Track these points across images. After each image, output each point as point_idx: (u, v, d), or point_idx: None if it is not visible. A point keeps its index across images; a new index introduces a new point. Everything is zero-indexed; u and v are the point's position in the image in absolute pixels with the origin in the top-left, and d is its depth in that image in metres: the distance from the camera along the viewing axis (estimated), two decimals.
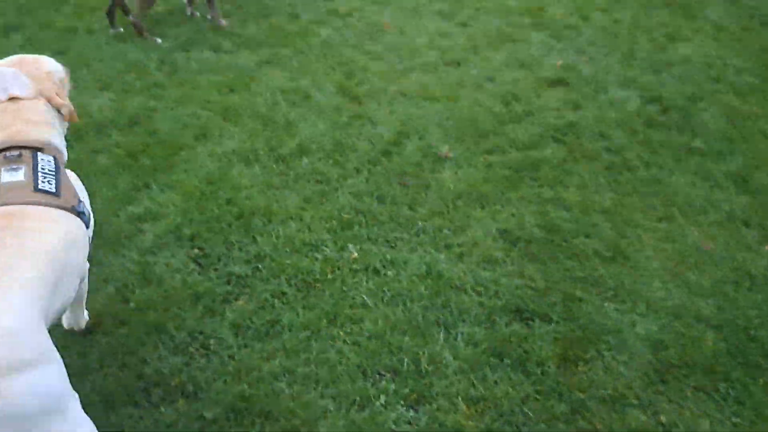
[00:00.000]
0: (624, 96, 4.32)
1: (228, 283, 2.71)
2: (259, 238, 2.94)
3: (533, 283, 2.72)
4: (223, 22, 5.00)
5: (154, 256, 2.80)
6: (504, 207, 3.20)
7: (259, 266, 2.80)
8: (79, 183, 2.05)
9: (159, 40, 4.65)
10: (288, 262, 2.82)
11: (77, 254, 1.84)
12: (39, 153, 1.86)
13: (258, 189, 3.27)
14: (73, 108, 2.06)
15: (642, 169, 3.55)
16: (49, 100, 1.98)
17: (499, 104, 4.16)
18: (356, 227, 3.05)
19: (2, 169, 1.78)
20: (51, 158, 1.87)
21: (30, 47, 4.31)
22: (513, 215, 3.14)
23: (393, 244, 2.95)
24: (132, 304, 2.56)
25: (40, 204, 1.74)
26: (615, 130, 3.90)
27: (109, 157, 3.37)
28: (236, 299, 2.64)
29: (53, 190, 1.80)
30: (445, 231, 3.05)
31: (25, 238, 1.66)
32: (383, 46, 4.90)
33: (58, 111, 2.02)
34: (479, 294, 2.67)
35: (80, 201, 1.88)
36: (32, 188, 1.76)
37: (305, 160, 3.53)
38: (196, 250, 2.87)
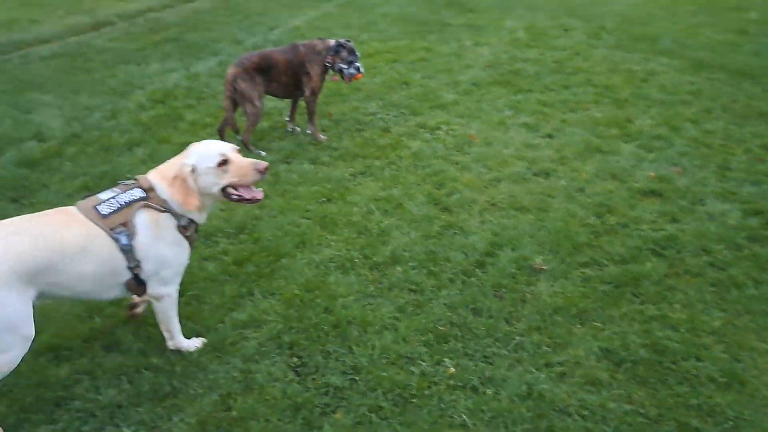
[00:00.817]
0: (723, 209, 4.20)
1: (326, 394, 2.73)
2: (355, 348, 2.97)
3: (643, 409, 2.58)
4: (321, 136, 5.34)
5: (256, 363, 2.87)
6: (605, 324, 3.10)
7: (356, 378, 2.81)
8: (156, 229, 2.60)
9: (263, 153, 5.00)
10: (384, 374, 2.81)
11: (89, 262, 2.45)
12: (137, 189, 2.60)
13: (354, 297, 3.34)
14: (191, 205, 2.63)
15: (751, 287, 3.38)
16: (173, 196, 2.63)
17: (592, 216, 4.14)
18: (452, 341, 3.03)
19: (114, 188, 2.64)
20: (137, 194, 2.58)
21: (151, 162, 4.73)
22: (616, 333, 3.04)
23: (491, 360, 2.90)
24: (234, 413, 2.61)
25: (86, 215, 2.49)
26: (717, 245, 3.77)
27: (217, 264, 3.56)
28: (334, 412, 2.64)
29: (104, 213, 2.52)
30: (544, 347, 2.98)
31: (52, 223, 2.44)
32: (471, 157, 5.05)
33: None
34: (585, 419, 2.54)
35: (123, 229, 2.50)
36: (95, 205, 2.54)
37: (398, 268, 3.60)
38: (295, 359, 2.93)
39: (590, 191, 4.50)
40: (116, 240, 2.50)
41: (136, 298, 3.09)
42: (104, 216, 2.51)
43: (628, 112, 5.97)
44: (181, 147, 5.00)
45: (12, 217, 2.46)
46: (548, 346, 2.98)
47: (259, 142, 5.22)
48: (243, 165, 2.68)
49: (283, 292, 3.35)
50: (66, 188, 4.31)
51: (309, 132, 5.39)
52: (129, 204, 2.56)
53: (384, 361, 2.90)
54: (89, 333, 2.99)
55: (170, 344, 2.89)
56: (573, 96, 6.45)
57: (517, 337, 3.04)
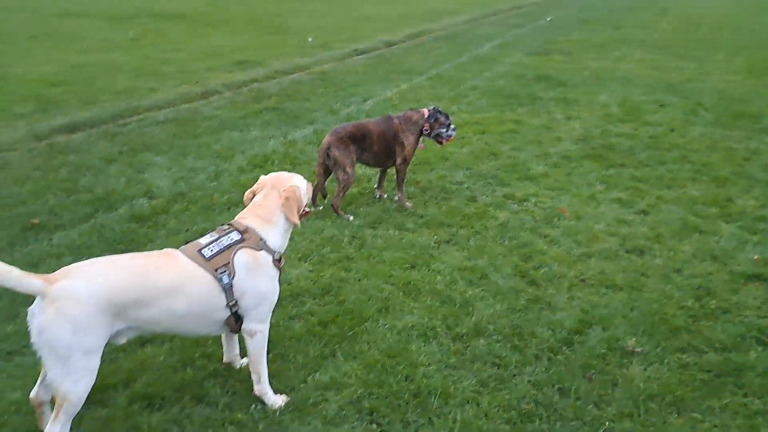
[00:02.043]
0: None
1: None
2: (435, 421, 2.92)
3: None
4: (408, 203, 5.44)
5: (336, 427, 2.87)
6: (705, 416, 2.90)
7: None
8: (254, 266, 2.84)
9: (351, 218, 5.15)
10: None
11: (182, 300, 2.66)
12: (234, 233, 2.85)
13: (435, 367, 3.30)
14: (298, 222, 3.00)
15: None
16: (285, 214, 2.98)
17: (691, 298, 3.93)
18: (537, 421, 2.92)
19: (212, 233, 2.90)
20: (234, 237, 2.83)
21: None
22: (716, 426, 2.83)
23: None
24: None
25: (191, 258, 2.73)
26: None
27: (303, 324, 3.64)
28: None
29: (206, 255, 2.75)
30: None
31: (153, 263, 2.71)
32: (560, 231, 4.97)
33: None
34: None
35: (224, 270, 2.74)
36: (199, 248, 2.77)
37: (482, 341, 3.54)
38: (374, 426, 2.91)
39: (688, 272, 4.29)
40: (219, 280, 2.73)
41: (228, 357, 3.25)
42: (208, 258, 2.74)
43: (729, 191, 5.72)
44: None
45: None
46: None
47: (348, 206, 5.38)
48: (310, 187, 3.23)
49: (364, 357, 3.37)
50: (170, 243, 4.59)
51: (396, 199, 5.52)
52: (229, 246, 2.80)
53: None
54: (180, 383, 3.11)
55: (256, 389, 2.99)
56: (669, 172, 6.26)
57: (607, 423, 2.88)
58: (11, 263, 4.26)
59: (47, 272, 4.20)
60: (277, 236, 2.96)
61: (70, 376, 2.46)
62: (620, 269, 4.35)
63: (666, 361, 3.32)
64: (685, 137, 7.46)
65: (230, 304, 2.79)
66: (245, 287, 2.81)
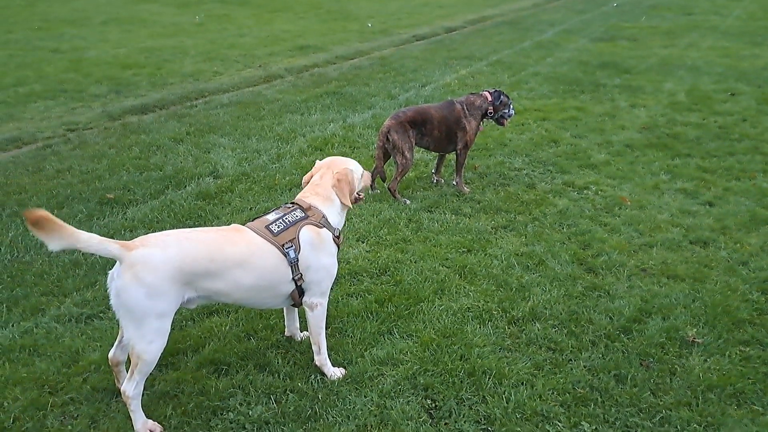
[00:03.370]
0: None
1: None
2: (489, 399, 2.96)
3: None
4: (466, 188, 5.46)
5: (392, 400, 2.96)
6: (766, 409, 2.83)
7: (490, 429, 2.80)
8: (318, 242, 2.97)
9: (408, 201, 5.21)
10: (518, 429, 2.78)
11: (248, 274, 2.79)
12: (298, 210, 2.99)
13: (490, 349, 3.35)
14: (350, 204, 3.13)
15: None
16: (337, 195, 3.11)
17: (756, 291, 3.83)
18: (591, 405, 2.92)
19: (277, 210, 3.03)
20: (298, 214, 2.97)
21: None
22: None
23: (633, 431, 2.76)
24: None
25: (257, 232, 2.86)
26: None
27: (361, 301, 3.75)
28: None
29: (274, 231, 2.88)
30: (694, 425, 2.78)
31: (224, 236, 2.82)
32: (621, 219, 4.89)
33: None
34: None
35: (291, 245, 2.86)
36: (267, 224, 2.89)
37: (537, 325, 3.55)
38: (429, 401, 2.98)
39: (755, 265, 4.17)
40: (286, 254, 2.85)
41: (290, 330, 3.38)
42: (275, 233, 2.87)
43: None
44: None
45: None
46: (698, 425, 2.78)
47: (405, 190, 5.45)
48: (366, 175, 3.33)
49: (420, 335, 3.44)
50: (234, 220, 4.77)
51: (454, 184, 5.54)
52: (294, 223, 2.93)
53: (518, 415, 2.87)
54: (245, 352, 3.27)
55: (317, 359, 3.12)
56: (738, 163, 6.05)
57: (663, 411, 2.86)
58: None
59: None
60: (334, 214, 3.08)
61: (144, 338, 2.62)
62: (683, 260, 4.26)
63: (727, 353, 3.25)
64: (758, 128, 7.15)
65: (295, 278, 2.90)
66: (309, 262, 2.93)
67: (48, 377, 3.08)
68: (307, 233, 2.94)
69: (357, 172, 3.24)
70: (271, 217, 2.98)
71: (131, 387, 2.68)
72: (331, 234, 3.04)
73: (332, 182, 3.10)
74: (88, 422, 2.83)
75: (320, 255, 2.97)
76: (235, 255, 2.77)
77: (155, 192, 5.31)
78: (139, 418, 2.73)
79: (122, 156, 6.15)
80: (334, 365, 3.15)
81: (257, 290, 2.89)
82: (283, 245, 2.86)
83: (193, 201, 5.11)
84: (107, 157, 6.11)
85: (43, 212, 2.40)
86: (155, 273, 2.59)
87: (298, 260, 2.89)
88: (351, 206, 3.15)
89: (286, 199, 5.16)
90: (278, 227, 2.90)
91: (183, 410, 2.89)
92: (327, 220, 3.03)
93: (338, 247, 3.11)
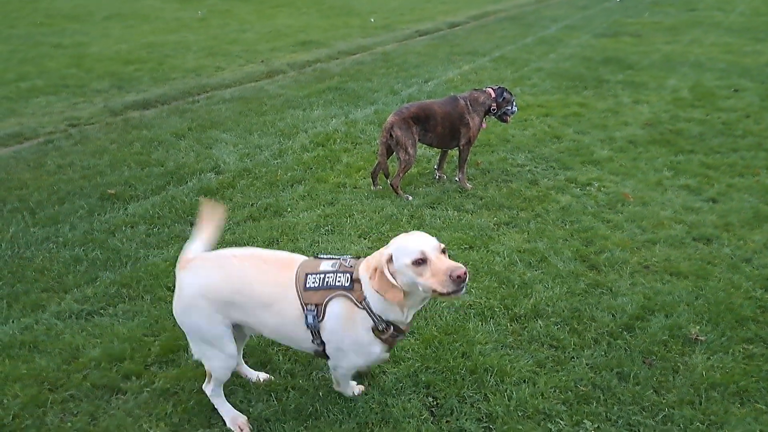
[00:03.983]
0: None
1: None
2: (491, 397, 2.95)
3: None
4: (468, 185, 5.44)
5: (393, 398, 2.95)
6: None
7: (491, 427, 2.79)
8: (346, 322, 2.52)
9: (410, 198, 5.19)
10: (520, 427, 2.77)
11: (272, 317, 2.55)
12: (348, 275, 2.50)
13: (492, 346, 3.33)
14: (394, 300, 2.40)
15: None
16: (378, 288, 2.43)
17: (760, 289, 3.80)
18: (594, 403, 2.91)
19: (336, 262, 2.59)
20: (343, 280, 2.50)
21: (309, 198, 5.12)
22: None
23: (635, 429, 2.75)
24: None
25: (297, 277, 2.52)
26: None
27: None
28: None
29: (308, 285, 2.50)
30: (697, 424, 2.76)
31: (261, 271, 2.58)
32: (624, 216, 4.86)
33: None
34: None
35: (314, 309, 2.48)
36: (311, 272, 2.54)
37: (540, 322, 3.53)
38: (430, 399, 2.97)
39: (758, 263, 4.14)
40: (305, 316, 2.51)
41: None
42: (306, 288, 2.51)
43: None
44: (336, 186, 5.43)
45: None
46: (701, 423, 2.76)
47: (407, 186, 5.43)
48: (439, 269, 2.32)
49: (422, 332, 3.43)
50: (236, 216, 4.78)
51: (456, 180, 5.52)
52: (329, 288, 2.49)
53: (520, 413, 2.85)
54: (246, 349, 3.25)
55: (335, 387, 2.95)
56: (741, 160, 6.01)
57: (666, 409, 2.85)
58: (91, 231, 4.57)
59: (123, 239, 4.46)
60: (379, 301, 2.46)
61: (203, 355, 2.68)
62: (686, 257, 4.24)
63: (731, 350, 3.23)
64: (761, 124, 7.11)
65: (315, 342, 2.58)
66: (331, 338, 2.54)
67: (48, 374, 3.08)
68: (336, 307, 2.50)
69: (409, 257, 2.36)
70: (325, 265, 2.57)
71: (209, 389, 2.80)
72: (371, 322, 2.49)
73: (368, 272, 2.48)
74: (87, 419, 2.82)
75: (344, 337, 2.53)
76: (261, 295, 2.56)
77: (156, 187, 5.29)
78: (225, 413, 2.80)
79: (123, 151, 6.14)
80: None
81: (282, 335, 2.69)
82: (306, 305, 2.50)
83: (195, 197, 5.10)
84: (108, 153, 6.10)
85: None
86: (187, 298, 2.60)
87: (318, 327, 2.53)
88: (395, 302, 2.42)
89: (288, 196, 5.15)
90: (314, 283, 2.50)
91: (183, 407, 2.88)
92: (368, 303, 2.48)
93: (382, 342, 2.54)
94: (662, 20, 15.20)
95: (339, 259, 2.61)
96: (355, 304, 2.48)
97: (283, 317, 2.54)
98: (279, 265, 2.62)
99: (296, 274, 2.54)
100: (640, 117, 7.42)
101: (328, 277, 2.50)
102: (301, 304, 2.49)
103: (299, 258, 2.66)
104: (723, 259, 4.21)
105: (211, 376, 2.75)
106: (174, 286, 2.68)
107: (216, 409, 2.85)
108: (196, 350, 2.69)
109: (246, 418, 2.80)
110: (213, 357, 2.66)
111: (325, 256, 2.65)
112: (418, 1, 18.79)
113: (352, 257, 2.62)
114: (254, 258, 2.66)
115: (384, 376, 3.09)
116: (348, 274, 2.51)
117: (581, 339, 3.38)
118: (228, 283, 2.58)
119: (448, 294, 2.31)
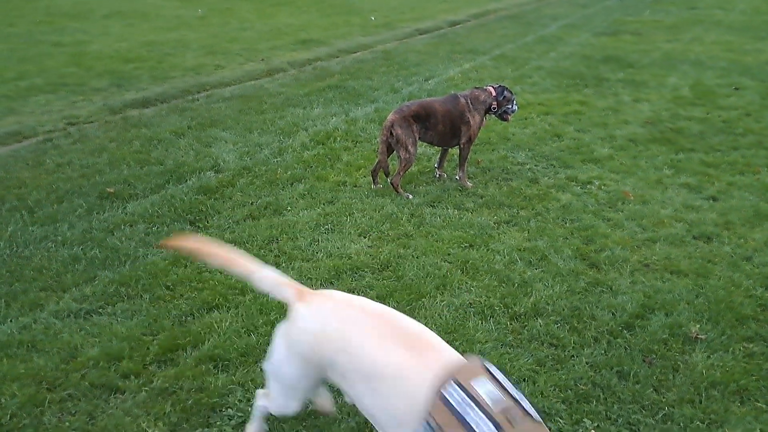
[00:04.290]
0: None
1: None
2: None
3: None
4: (468, 183, 5.43)
5: None
6: None
7: None
8: None
9: (410, 196, 5.18)
10: None
11: (373, 398, 1.99)
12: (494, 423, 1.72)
13: (491, 345, 3.32)
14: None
15: None
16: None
17: (760, 288, 3.79)
18: (594, 402, 2.90)
19: (502, 389, 1.83)
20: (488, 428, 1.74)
21: (309, 196, 5.11)
22: None
23: (635, 428, 2.74)
24: None
25: (432, 382, 1.85)
26: None
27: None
28: None
29: (448, 401, 1.80)
30: (697, 422, 2.76)
31: (386, 338, 2.03)
32: (624, 214, 4.85)
33: None
34: None
35: (431, 428, 1.80)
36: (455, 380, 1.83)
37: (540, 321, 3.52)
38: None
39: (759, 261, 4.13)
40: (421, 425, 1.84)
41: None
42: (443, 400, 1.81)
43: None
44: (336, 185, 5.42)
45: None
46: (701, 422, 2.75)
47: (407, 185, 5.42)
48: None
49: None
50: (235, 215, 4.77)
51: (457, 178, 5.51)
52: (466, 422, 1.75)
53: None
54: (245, 348, 3.24)
55: None
56: (742, 158, 6.00)
57: (666, 408, 2.84)
58: (89, 229, 4.56)
59: (122, 238, 4.45)
60: None
61: (274, 398, 2.40)
62: (686, 255, 4.23)
63: (731, 349, 3.23)
64: (762, 122, 7.10)
65: None
66: None
67: (46, 373, 3.07)
68: None
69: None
70: (484, 387, 1.81)
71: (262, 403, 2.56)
72: None
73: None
74: (86, 419, 2.81)
75: None
76: (373, 366, 1.99)
77: (156, 186, 5.28)
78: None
79: (123, 150, 6.13)
80: None
81: (374, 418, 2.06)
82: (428, 421, 1.81)
83: (194, 195, 5.08)
84: (108, 151, 6.09)
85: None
86: (292, 337, 2.22)
87: None
88: None
89: (289, 196, 5.14)
90: (457, 405, 1.78)
91: (182, 407, 2.87)
92: None
93: None
94: (663, 18, 15.18)
95: (503, 391, 1.83)
96: None
97: (386, 406, 1.97)
98: (414, 336, 2.09)
99: (434, 379, 1.86)
100: (641, 115, 7.41)
101: (477, 414, 1.75)
102: (424, 410, 1.83)
103: (436, 342, 2.09)
104: (723, 257, 4.20)
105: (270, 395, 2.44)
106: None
107: (216, 409, 2.84)
108: (271, 386, 2.39)
109: None
110: (282, 404, 2.39)
111: (494, 369, 1.92)
112: None
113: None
114: (381, 320, 2.14)
115: None
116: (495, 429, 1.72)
117: (581, 337, 3.37)
118: (342, 337, 2.10)
119: None
